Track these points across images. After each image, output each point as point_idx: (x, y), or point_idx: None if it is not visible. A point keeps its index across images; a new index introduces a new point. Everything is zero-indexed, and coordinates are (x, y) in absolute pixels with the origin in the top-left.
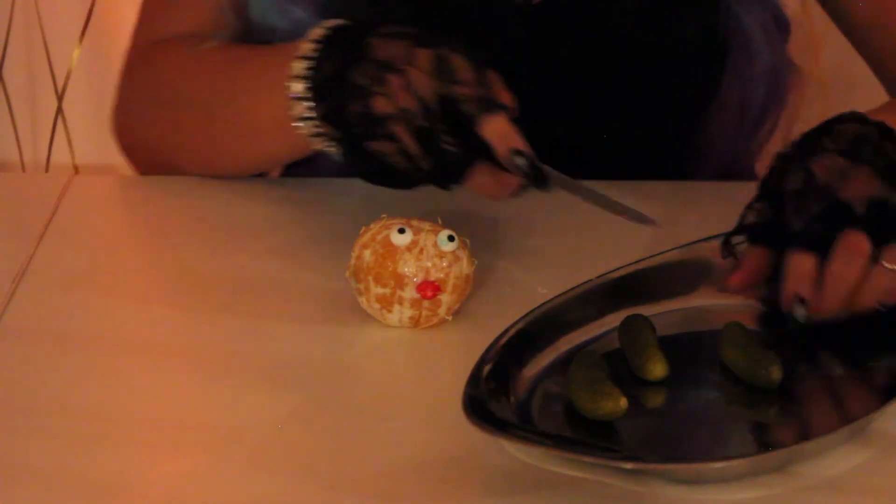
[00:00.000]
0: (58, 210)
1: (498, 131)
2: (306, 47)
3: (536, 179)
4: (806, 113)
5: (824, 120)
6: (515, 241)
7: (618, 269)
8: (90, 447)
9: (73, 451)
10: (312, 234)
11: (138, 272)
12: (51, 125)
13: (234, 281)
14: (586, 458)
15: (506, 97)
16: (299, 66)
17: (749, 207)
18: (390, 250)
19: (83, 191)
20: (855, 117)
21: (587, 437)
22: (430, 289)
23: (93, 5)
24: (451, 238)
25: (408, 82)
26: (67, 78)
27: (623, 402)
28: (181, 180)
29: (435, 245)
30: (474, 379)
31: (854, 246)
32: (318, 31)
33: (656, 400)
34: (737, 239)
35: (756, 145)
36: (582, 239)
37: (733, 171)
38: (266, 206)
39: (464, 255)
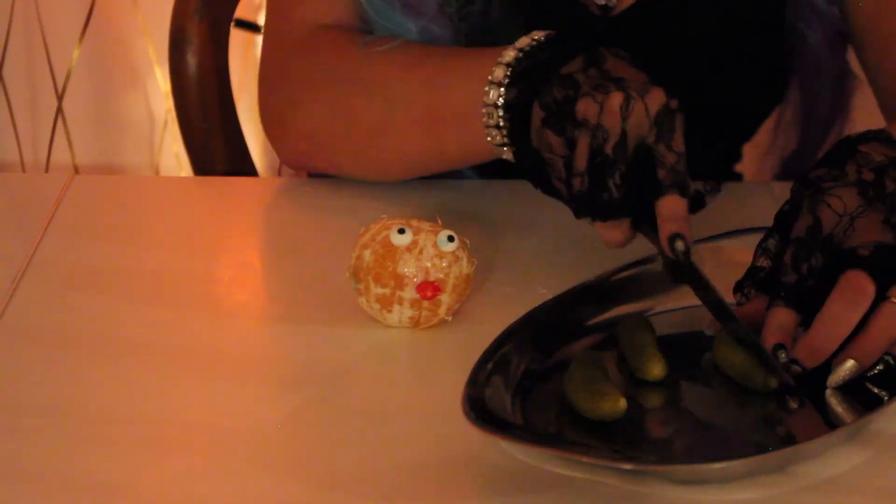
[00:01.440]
0: (58, 210)
1: (675, 213)
2: (523, 42)
3: (677, 271)
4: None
5: (847, 137)
6: (515, 241)
7: (617, 269)
8: (90, 447)
9: (73, 451)
10: (312, 234)
11: (138, 272)
12: (51, 125)
13: (234, 281)
14: (585, 459)
15: (690, 186)
16: (510, 54)
17: (761, 246)
18: (390, 250)
19: (83, 191)
20: (881, 137)
21: (586, 437)
22: (429, 289)
23: (93, 5)
24: (451, 238)
25: (627, 108)
26: (67, 78)
27: (622, 403)
28: (181, 181)
29: (435, 245)
30: (474, 379)
31: (855, 285)
32: (525, 40)
33: (655, 400)
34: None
35: (820, 154)
36: (582, 239)
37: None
38: (266, 206)
39: (464, 255)
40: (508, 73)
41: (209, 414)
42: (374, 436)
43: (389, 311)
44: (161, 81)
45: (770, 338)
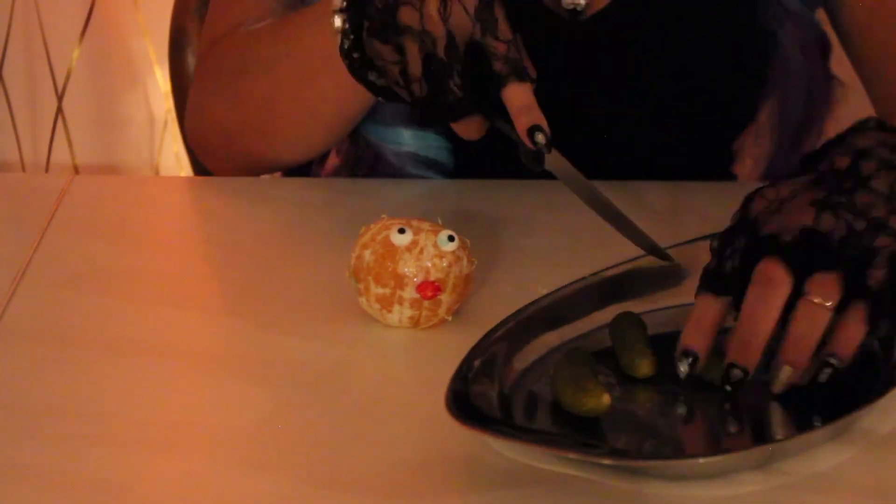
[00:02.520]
0: (58, 210)
1: (523, 101)
2: None
3: (539, 159)
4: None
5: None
6: (515, 241)
7: (611, 266)
8: (89, 447)
9: (73, 451)
10: (312, 234)
11: (138, 272)
12: (51, 125)
13: (233, 281)
14: (565, 454)
15: (532, 70)
16: None
17: (711, 240)
18: (390, 250)
19: (83, 191)
20: (872, 124)
21: (572, 433)
22: (430, 289)
23: (93, 5)
24: (451, 238)
25: (445, 10)
26: (67, 78)
27: (605, 399)
28: (181, 181)
29: (435, 245)
30: (459, 375)
31: (769, 275)
32: None
33: (644, 397)
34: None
35: (797, 158)
36: (582, 239)
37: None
38: (266, 206)
39: (464, 255)
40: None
41: (209, 413)
42: (374, 435)
43: (389, 311)
44: (161, 81)
45: (689, 335)
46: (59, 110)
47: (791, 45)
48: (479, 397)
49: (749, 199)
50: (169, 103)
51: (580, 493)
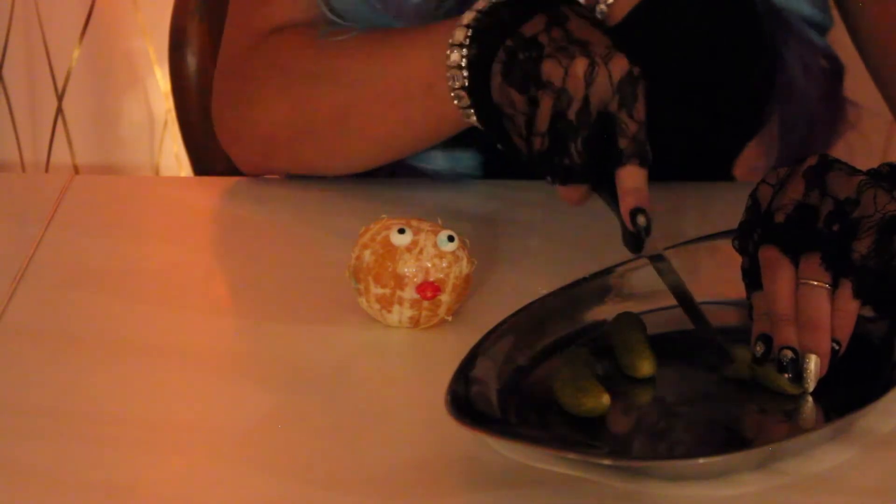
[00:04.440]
0: (58, 210)
1: (636, 184)
2: (480, 4)
3: (637, 244)
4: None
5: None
6: (515, 241)
7: (611, 266)
8: (90, 447)
9: (73, 451)
10: (312, 234)
11: (138, 272)
12: (51, 125)
13: (233, 281)
14: (565, 454)
15: (650, 155)
16: (469, 16)
17: (733, 240)
18: (390, 250)
19: (83, 191)
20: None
21: (573, 434)
22: (429, 289)
23: (93, 5)
24: (450, 238)
25: (591, 74)
26: (67, 78)
27: (605, 399)
28: (181, 181)
29: (435, 245)
30: (459, 375)
31: (769, 262)
32: (483, 2)
33: (644, 397)
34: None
35: None
36: (581, 239)
37: None
38: (266, 206)
39: (463, 255)
40: (469, 34)
41: (209, 414)
42: (374, 436)
43: (389, 311)
44: (161, 81)
45: (758, 327)
46: (59, 110)
47: (795, 66)
48: (479, 397)
49: (755, 190)
50: (169, 103)
51: (580, 493)
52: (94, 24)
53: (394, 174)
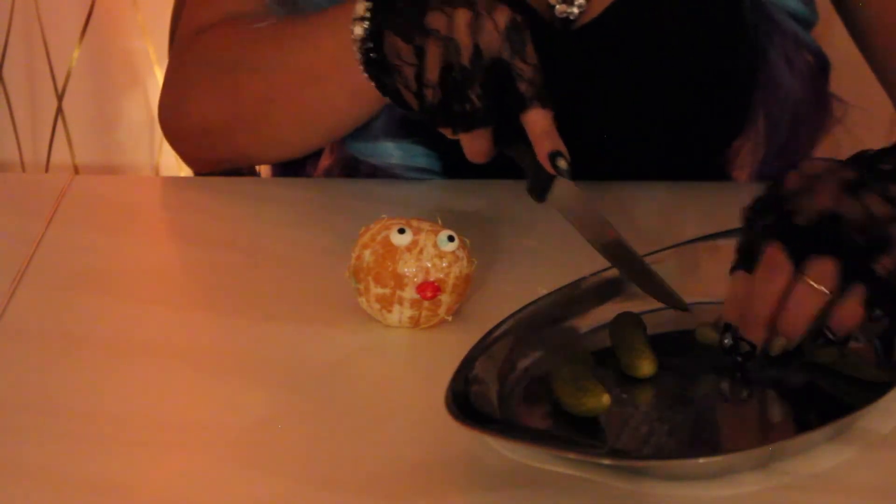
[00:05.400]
0: (58, 210)
1: (544, 126)
2: None
3: (544, 190)
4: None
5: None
6: (515, 241)
7: (611, 267)
8: (90, 447)
9: (73, 451)
10: (312, 234)
11: (138, 272)
12: (51, 125)
13: (233, 281)
14: (565, 454)
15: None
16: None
17: (744, 210)
18: (390, 250)
19: (83, 191)
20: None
21: (573, 433)
22: (429, 289)
23: (93, 5)
24: (451, 238)
25: (476, 25)
26: (67, 78)
27: (605, 399)
28: (181, 181)
29: (435, 245)
30: (459, 375)
31: (771, 261)
32: None
33: (645, 397)
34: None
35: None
36: (581, 239)
37: None
38: (266, 206)
39: (464, 255)
40: (369, 6)
41: (209, 414)
42: (374, 435)
43: (389, 311)
44: (161, 81)
45: (727, 311)
46: (59, 110)
47: (779, 61)
48: (479, 397)
49: (785, 173)
50: None
51: (580, 493)
52: (94, 24)
53: (351, 176)
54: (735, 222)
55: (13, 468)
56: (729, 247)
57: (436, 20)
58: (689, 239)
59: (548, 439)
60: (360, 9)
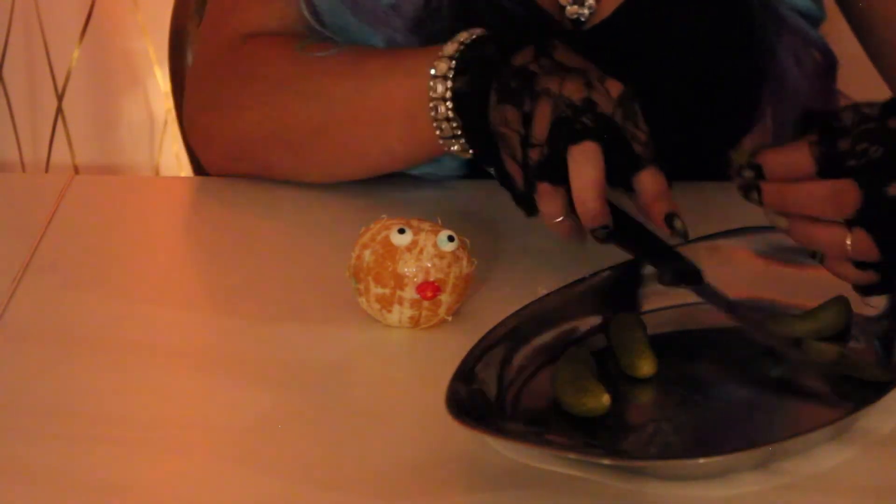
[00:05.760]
0: (58, 210)
1: (661, 189)
2: (462, 36)
3: (684, 272)
4: None
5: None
6: (515, 241)
7: (611, 266)
8: (90, 447)
9: (73, 451)
10: (312, 234)
11: (138, 272)
12: (51, 125)
13: (233, 281)
14: (565, 454)
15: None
16: (451, 47)
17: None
18: (390, 250)
19: (83, 191)
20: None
21: (573, 433)
22: (429, 289)
23: (93, 5)
24: (450, 238)
25: (590, 89)
26: (67, 78)
27: (605, 399)
28: (181, 181)
29: (435, 245)
30: (459, 375)
31: (842, 193)
32: (465, 34)
33: (644, 397)
34: None
35: None
36: None
37: None
38: (266, 206)
39: (464, 255)
40: (452, 66)
41: (209, 414)
42: (374, 436)
43: (389, 311)
44: (161, 81)
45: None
46: (59, 110)
47: (788, 59)
48: (479, 397)
49: (849, 105)
50: (169, 103)
51: (580, 493)
52: (94, 24)
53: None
54: (735, 222)
55: (13, 468)
56: (729, 247)
57: (549, 83)
58: (689, 239)
59: (548, 439)
60: (443, 66)
